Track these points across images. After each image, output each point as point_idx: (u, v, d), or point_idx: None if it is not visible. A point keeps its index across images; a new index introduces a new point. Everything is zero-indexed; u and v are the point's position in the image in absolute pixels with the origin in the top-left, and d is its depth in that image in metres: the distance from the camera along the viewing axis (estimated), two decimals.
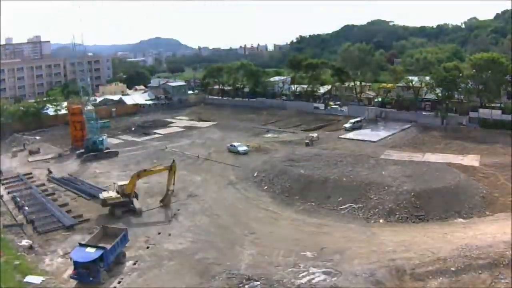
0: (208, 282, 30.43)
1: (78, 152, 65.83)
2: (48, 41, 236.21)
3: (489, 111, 73.87)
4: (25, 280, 30.91)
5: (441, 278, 29.41)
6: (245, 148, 63.68)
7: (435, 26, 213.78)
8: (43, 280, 31.00)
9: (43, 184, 53.26)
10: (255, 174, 53.35)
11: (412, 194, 41.36)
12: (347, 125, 75.65)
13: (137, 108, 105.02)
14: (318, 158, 56.38)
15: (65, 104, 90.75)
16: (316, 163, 53.35)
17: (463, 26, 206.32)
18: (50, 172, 57.21)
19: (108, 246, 31.94)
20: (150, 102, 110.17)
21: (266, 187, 49.69)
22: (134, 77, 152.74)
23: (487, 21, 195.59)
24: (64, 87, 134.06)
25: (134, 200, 44.39)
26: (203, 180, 53.38)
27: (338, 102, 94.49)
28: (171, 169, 45.68)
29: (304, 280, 29.90)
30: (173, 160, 47.89)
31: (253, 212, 43.31)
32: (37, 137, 78.14)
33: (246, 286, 29.63)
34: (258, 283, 29.91)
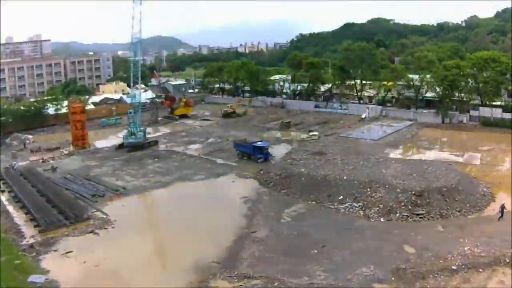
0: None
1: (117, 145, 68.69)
2: (49, 40, 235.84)
3: (490, 109, 73.94)
4: (29, 279, 30.95)
5: (441, 277, 29.44)
6: None
7: (435, 25, 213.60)
8: (46, 279, 31.05)
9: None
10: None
11: (413, 192, 41.34)
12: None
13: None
14: (319, 156, 56.59)
15: (65, 103, 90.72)
16: (316, 162, 53.44)
17: (464, 24, 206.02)
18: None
19: None
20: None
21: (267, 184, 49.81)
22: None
23: (488, 20, 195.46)
24: (64, 86, 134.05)
25: None
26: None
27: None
28: None
29: (304, 279, 29.96)
30: None
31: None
32: (30, 136, 77.98)
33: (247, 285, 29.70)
34: (259, 281, 29.98)
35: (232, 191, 49.21)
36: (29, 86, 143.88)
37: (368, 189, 43.41)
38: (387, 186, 43.14)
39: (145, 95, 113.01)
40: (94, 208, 44.34)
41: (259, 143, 60.26)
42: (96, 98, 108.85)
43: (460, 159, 55.62)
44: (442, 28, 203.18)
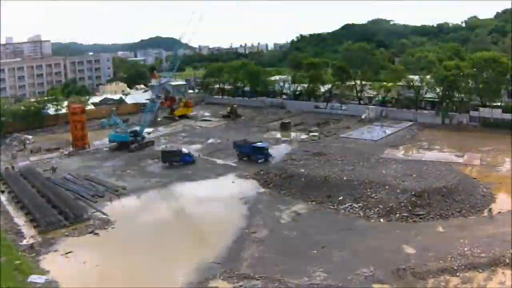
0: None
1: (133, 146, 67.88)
2: (48, 41, 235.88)
3: (490, 110, 73.93)
4: (29, 279, 30.94)
5: (441, 277, 29.46)
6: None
7: (435, 25, 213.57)
8: (46, 279, 31.05)
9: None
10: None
11: (413, 193, 41.35)
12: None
13: (138, 108, 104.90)
14: (319, 156, 56.60)
15: (65, 103, 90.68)
16: (316, 162, 53.43)
17: (464, 25, 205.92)
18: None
19: None
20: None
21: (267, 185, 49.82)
22: (135, 76, 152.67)
23: (488, 20, 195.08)
24: (64, 86, 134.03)
25: None
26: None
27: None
28: None
29: (304, 279, 29.96)
30: None
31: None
32: (30, 136, 77.84)
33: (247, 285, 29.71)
34: (259, 281, 29.98)
35: (232, 191, 49.18)
36: (29, 86, 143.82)
37: (368, 190, 43.42)
38: (387, 186, 43.15)
39: (145, 96, 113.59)
40: (94, 209, 44.38)
41: (259, 143, 60.25)
42: (96, 99, 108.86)
43: (460, 160, 55.62)
44: (442, 29, 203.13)
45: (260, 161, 57.32)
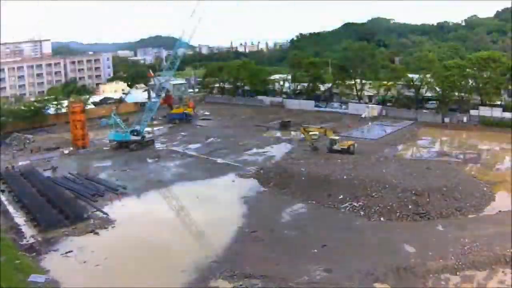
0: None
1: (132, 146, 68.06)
2: (48, 40, 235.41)
3: (490, 109, 73.94)
4: (29, 279, 30.95)
5: (442, 276, 29.47)
6: None
7: (435, 24, 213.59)
8: (47, 279, 31.06)
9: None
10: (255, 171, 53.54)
11: (413, 192, 41.36)
12: None
13: (138, 107, 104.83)
14: (319, 156, 56.59)
15: (65, 103, 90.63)
16: (317, 161, 53.43)
17: (463, 24, 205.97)
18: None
19: None
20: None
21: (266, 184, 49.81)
22: (135, 75, 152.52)
23: (488, 19, 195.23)
24: (64, 86, 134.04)
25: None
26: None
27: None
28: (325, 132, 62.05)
29: (304, 279, 29.96)
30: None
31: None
32: (30, 136, 77.79)
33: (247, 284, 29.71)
34: (259, 281, 29.98)
35: (232, 190, 49.19)
36: (29, 86, 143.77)
37: (368, 189, 43.40)
38: (387, 185, 43.15)
39: (145, 95, 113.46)
40: (94, 208, 44.37)
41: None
42: (96, 98, 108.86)
43: (460, 159, 55.60)
44: (442, 28, 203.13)
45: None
